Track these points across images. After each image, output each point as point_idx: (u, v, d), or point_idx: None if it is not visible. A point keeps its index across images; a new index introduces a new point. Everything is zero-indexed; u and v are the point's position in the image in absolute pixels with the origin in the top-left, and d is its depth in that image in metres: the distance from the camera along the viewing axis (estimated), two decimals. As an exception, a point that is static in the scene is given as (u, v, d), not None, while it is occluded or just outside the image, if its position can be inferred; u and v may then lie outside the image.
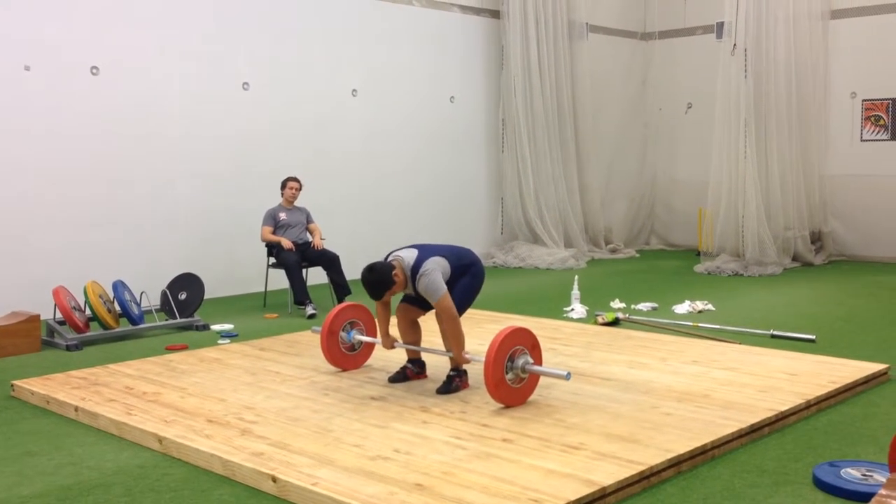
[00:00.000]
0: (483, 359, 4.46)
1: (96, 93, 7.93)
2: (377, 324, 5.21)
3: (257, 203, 8.45)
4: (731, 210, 10.62)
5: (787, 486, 3.57)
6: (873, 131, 11.20)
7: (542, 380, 5.07)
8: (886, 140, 11.10)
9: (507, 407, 4.52)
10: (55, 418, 4.73)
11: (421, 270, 4.70)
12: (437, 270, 4.70)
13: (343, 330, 5.38)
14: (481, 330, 6.62)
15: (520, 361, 4.52)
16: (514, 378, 4.52)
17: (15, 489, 3.69)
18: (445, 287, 4.70)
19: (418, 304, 5.02)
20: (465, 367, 4.91)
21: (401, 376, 5.11)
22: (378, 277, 4.70)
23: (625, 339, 6.29)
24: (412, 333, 5.11)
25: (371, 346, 5.54)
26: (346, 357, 5.43)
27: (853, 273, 10.22)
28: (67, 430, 4.52)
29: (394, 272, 4.72)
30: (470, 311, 7.45)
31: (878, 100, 11.12)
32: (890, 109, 11.04)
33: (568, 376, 4.46)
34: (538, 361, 4.61)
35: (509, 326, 4.56)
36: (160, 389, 5.02)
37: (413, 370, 5.15)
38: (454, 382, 4.87)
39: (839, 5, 11.32)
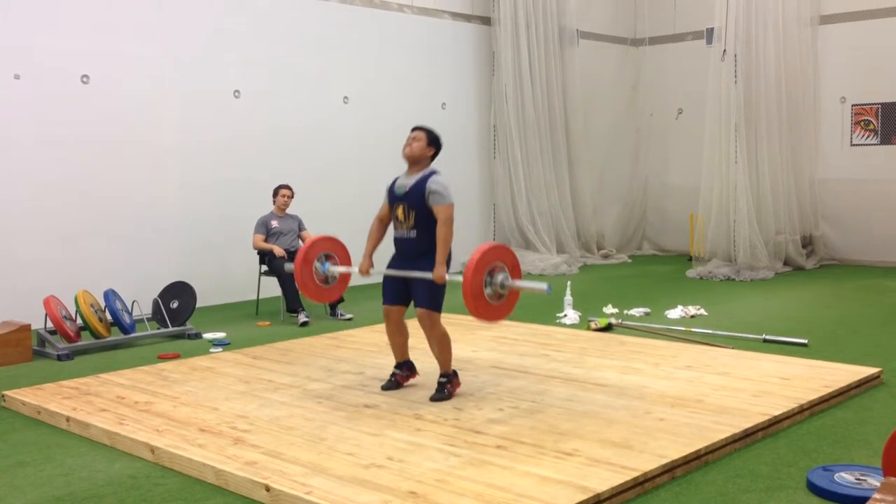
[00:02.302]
0: (461, 277, 4.43)
1: (87, 101, 7.91)
2: (366, 242, 5.10)
3: (249, 211, 8.43)
4: (722, 215, 10.65)
5: (781, 491, 3.57)
6: (863, 136, 11.25)
7: (537, 384, 5.08)
8: (876, 144, 11.15)
9: (487, 322, 4.57)
10: (46, 428, 4.71)
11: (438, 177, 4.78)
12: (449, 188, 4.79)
13: (318, 261, 5.32)
14: (473, 336, 6.62)
15: (499, 277, 4.49)
16: (492, 294, 4.50)
17: (6, 500, 3.66)
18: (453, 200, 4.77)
19: (402, 297, 4.92)
20: (443, 279, 4.68)
21: (392, 384, 5.09)
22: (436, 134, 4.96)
23: (618, 345, 6.29)
24: (398, 335, 5.07)
25: (346, 279, 5.45)
26: (320, 289, 5.36)
27: (844, 277, 10.26)
28: (59, 440, 4.49)
29: (431, 151, 4.91)
30: (462, 317, 7.45)
31: (867, 104, 11.18)
32: (879, 114, 11.09)
33: (548, 290, 4.47)
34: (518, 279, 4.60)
35: (488, 243, 4.54)
36: (152, 399, 5.00)
37: (402, 375, 5.12)
38: (446, 389, 4.86)
39: (828, 11, 11.38)
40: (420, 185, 4.81)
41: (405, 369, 5.15)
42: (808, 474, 3.65)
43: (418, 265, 4.79)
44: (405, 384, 5.12)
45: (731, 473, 3.79)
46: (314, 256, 5.29)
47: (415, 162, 4.92)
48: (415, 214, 4.80)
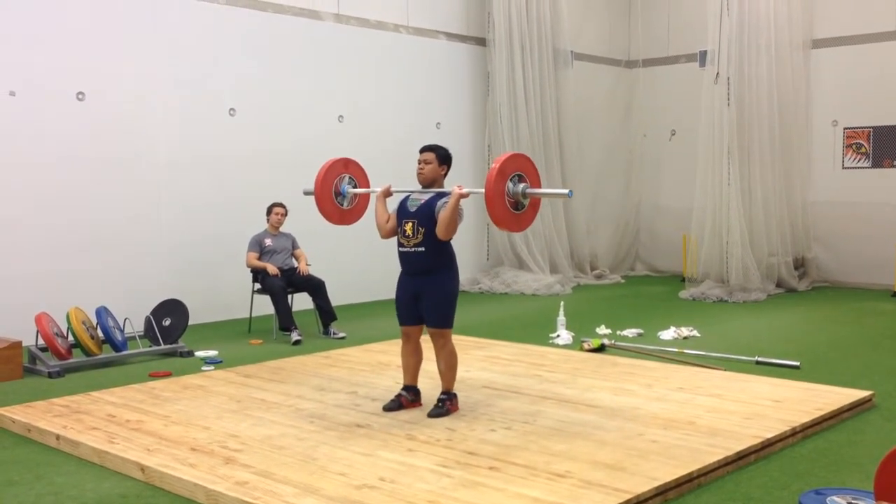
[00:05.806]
0: (482, 190, 4.49)
1: (82, 118, 7.91)
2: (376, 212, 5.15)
3: (242, 228, 8.43)
4: (715, 236, 10.69)
5: (774, 515, 3.57)
6: (855, 159, 11.32)
7: (529, 405, 5.07)
8: (868, 168, 11.22)
9: (509, 230, 4.70)
10: (36, 447, 4.68)
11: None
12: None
13: (336, 184, 5.35)
14: (466, 356, 6.60)
15: (520, 185, 4.55)
16: (513, 202, 4.55)
17: (-6, 520, 3.64)
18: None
19: (417, 317, 4.95)
20: (463, 195, 4.78)
21: (395, 404, 5.04)
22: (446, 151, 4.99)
23: (610, 366, 6.29)
24: (413, 357, 5.09)
25: (365, 203, 5.53)
26: (341, 211, 5.41)
27: (836, 299, 10.29)
28: (48, 458, 4.46)
29: (444, 170, 4.98)
30: (455, 338, 7.43)
31: (859, 128, 11.25)
32: (871, 137, 11.17)
33: (570, 194, 4.58)
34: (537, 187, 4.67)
35: (508, 152, 4.58)
36: (143, 417, 4.97)
37: (407, 398, 5.08)
38: (445, 405, 4.86)
39: (820, 35, 11.48)
40: (431, 203, 4.84)
41: (412, 394, 5.11)
42: (801, 498, 3.64)
43: (427, 281, 4.84)
44: (408, 408, 5.06)
45: (724, 496, 3.78)
46: (333, 178, 5.32)
47: (429, 185, 4.96)
48: (424, 231, 4.84)
